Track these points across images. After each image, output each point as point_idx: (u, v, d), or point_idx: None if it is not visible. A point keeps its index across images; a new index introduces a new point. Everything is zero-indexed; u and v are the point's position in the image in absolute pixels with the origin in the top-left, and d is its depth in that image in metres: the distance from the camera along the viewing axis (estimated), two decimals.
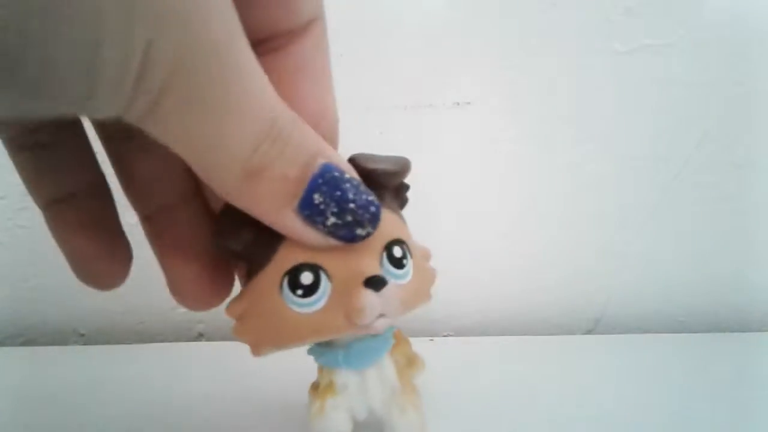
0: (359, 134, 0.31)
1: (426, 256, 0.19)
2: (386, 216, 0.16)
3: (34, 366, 0.29)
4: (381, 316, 0.15)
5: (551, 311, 0.34)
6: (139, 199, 0.17)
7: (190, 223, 0.17)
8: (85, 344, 0.33)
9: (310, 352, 0.18)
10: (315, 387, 0.19)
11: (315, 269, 0.15)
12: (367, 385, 0.18)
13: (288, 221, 0.14)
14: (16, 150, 0.16)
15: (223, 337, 0.33)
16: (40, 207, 0.16)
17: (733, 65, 0.30)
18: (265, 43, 0.15)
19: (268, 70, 0.14)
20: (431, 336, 0.33)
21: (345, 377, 0.18)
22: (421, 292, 0.18)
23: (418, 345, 0.31)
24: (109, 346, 0.31)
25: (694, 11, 0.30)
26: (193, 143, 0.13)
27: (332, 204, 0.14)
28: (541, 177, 0.32)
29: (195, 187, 0.17)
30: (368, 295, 0.15)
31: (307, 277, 0.15)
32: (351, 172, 0.15)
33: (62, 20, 0.10)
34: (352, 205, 0.14)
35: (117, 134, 0.17)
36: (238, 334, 0.17)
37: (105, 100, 0.11)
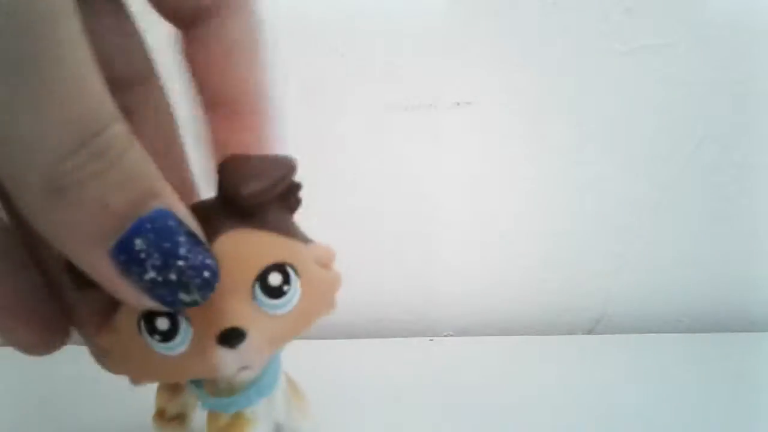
0: (359, 134, 0.31)
1: (325, 259, 0.16)
2: (261, 239, 0.14)
3: (36, 366, 0.29)
4: (243, 368, 0.14)
5: (551, 311, 0.33)
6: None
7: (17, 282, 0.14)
8: (86, 344, 0.33)
9: (205, 402, 0.17)
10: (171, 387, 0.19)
11: (171, 314, 0.13)
12: (274, 405, 0.17)
13: (96, 263, 0.11)
14: None
15: None
16: None
17: (733, 65, 0.30)
18: (190, 21, 0.14)
19: (196, 50, 0.13)
20: (431, 336, 0.33)
21: (255, 407, 0.17)
22: (312, 311, 0.16)
23: (418, 345, 0.31)
24: None
25: (694, 11, 0.30)
26: None
27: (156, 255, 0.11)
28: (541, 177, 0.32)
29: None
30: (223, 353, 0.13)
31: (163, 323, 0.13)
32: (190, 223, 0.12)
33: None
34: (181, 263, 0.12)
35: None
36: (112, 369, 0.16)
37: None
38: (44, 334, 0.15)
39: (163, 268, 0.12)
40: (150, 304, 0.12)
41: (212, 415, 0.17)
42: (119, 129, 0.11)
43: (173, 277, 0.12)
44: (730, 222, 0.32)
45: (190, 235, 0.12)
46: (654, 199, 0.32)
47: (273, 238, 0.15)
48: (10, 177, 0.10)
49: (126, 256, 0.11)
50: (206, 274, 0.12)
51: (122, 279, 0.12)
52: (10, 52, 0.10)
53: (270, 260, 0.14)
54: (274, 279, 0.14)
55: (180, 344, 0.14)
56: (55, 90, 0.10)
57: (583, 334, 0.34)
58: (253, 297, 0.14)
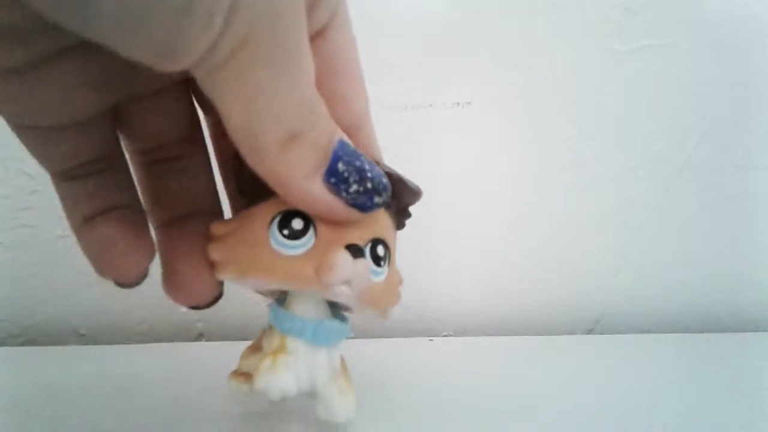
0: None
1: (399, 280, 0.20)
2: (384, 217, 0.17)
3: (34, 366, 0.29)
4: (346, 283, 0.16)
5: (551, 311, 0.34)
6: (160, 208, 0.18)
7: (201, 229, 0.18)
8: (85, 344, 0.33)
9: (274, 315, 0.18)
10: (255, 348, 0.20)
11: (308, 220, 0.16)
12: (315, 361, 0.18)
13: (316, 188, 0.15)
14: (60, 180, 0.17)
15: (223, 337, 0.33)
16: (74, 225, 0.17)
17: (733, 65, 0.30)
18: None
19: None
20: (431, 336, 0.33)
21: (297, 344, 0.18)
22: (387, 298, 0.18)
23: (418, 345, 0.31)
24: (109, 346, 0.31)
25: (694, 11, 0.30)
26: (251, 102, 0.13)
27: (354, 173, 0.16)
28: (541, 177, 0.32)
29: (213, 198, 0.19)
30: (344, 256, 0.16)
31: (297, 223, 0.16)
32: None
33: None
34: (369, 174, 0.16)
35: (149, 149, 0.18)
36: (212, 251, 0.17)
37: (190, 40, 0.12)
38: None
39: (361, 181, 0.16)
40: (354, 214, 0.16)
41: (267, 334, 0.19)
42: (316, 90, 0.15)
43: (369, 185, 0.16)
44: (730, 222, 0.32)
45: (363, 155, 0.16)
46: (654, 199, 0.32)
47: (390, 224, 0.18)
48: (260, 130, 0.14)
49: (335, 178, 0.15)
50: (384, 180, 0.16)
51: (334, 196, 0.16)
52: (288, 42, 0.13)
53: (383, 236, 0.18)
54: (381, 250, 0.17)
55: (303, 245, 0.16)
56: (304, 69, 0.14)
57: (583, 334, 0.34)
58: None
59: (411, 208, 0.20)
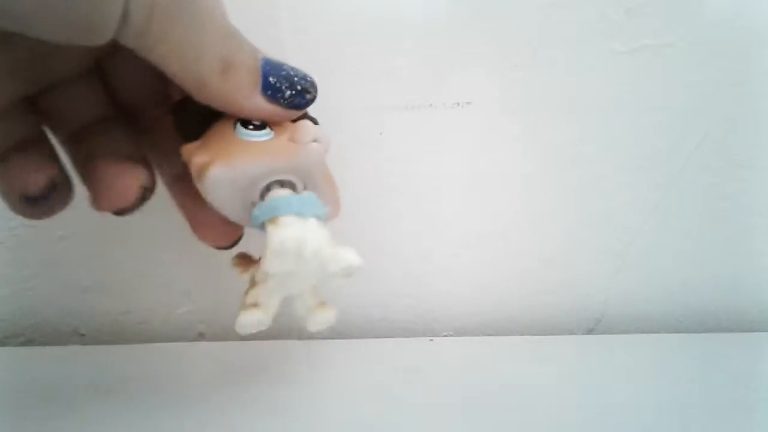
0: (359, 134, 0.31)
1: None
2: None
3: (34, 366, 0.29)
4: (314, 140, 0.19)
5: (551, 311, 0.33)
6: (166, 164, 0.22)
7: None
8: (85, 344, 0.33)
9: (260, 210, 0.20)
10: (243, 259, 0.22)
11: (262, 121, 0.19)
12: (309, 229, 0.20)
13: (259, 103, 0.18)
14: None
15: (224, 337, 0.33)
16: (62, 139, 0.20)
17: (733, 65, 0.30)
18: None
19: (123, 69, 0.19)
20: (431, 336, 0.33)
21: (288, 219, 0.19)
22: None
23: (418, 345, 0.31)
24: (109, 346, 0.31)
25: (694, 11, 0.30)
26: (182, 51, 0.16)
27: (284, 81, 0.19)
28: (541, 177, 0.32)
29: None
30: (307, 122, 0.20)
31: (256, 121, 0.19)
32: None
33: None
34: (296, 78, 0.19)
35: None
36: (191, 155, 0.19)
37: (104, 11, 0.14)
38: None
39: (291, 85, 0.19)
40: (293, 112, 0.19)
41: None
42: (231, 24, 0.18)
43: (299, 87, 0.19)
44: (730, 222, 0.32)
45: (283, 62, 0.19)
46: (654, 199, 0.32)
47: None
48: (199, 72, 0.17)
49: (271, 90, 0.19)
50: (309, 77, 0.20)
51: (274, 105, 0.19)
52: None
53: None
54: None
55: (267, 134, 0.19)
56: (216, 11, 0.17)
57: (583, 334, 0.34)
58: None
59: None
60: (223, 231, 0.22)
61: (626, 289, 0.33)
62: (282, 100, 0.19)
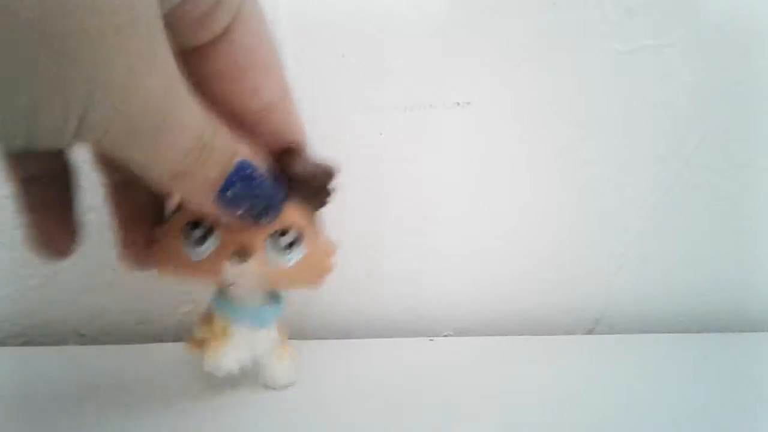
0: (359, 134, 0.31)
1: (329, 251, 0.22)
2: (291, 206, 0.20)
3: (34, 366, 0.29)
4: (240, 277, 0.20)
5: (551, 311, 0.34)
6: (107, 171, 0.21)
7: (142, 197, 0.21)
8: (85, 344, 0.33)
9: (216, 304, 0.23)
10: (207, 319, 0.23)
11: (206, 230, 0.20)
12: (256, 340, 0.23)
13: (207, 208, 0.18)
14: None
15: None
16: (13, 183, 0.19)
17: (733, 65, 0.30)
18: (193, 51, 0.17)
19: (203, 70, 0.17)
20: (431, 336, 0.33)
21: (239, 330, 0.22)
22: (307, 273, 0.22)
23: (418, 345, 0.31)
24: (109, 346, 0.31)
25: (694, 11, 0.30)
26: (134, 160, 0.16)
27: (244, 197, 0.18)
28: (541, 177, 0.32)
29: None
30: (231, 265, 0.20)
31: (198, 233, 0.20)
32: (261, 167, 0.19)
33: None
34: (258, 199, 0.18)
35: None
36: (154, 253, 0.21)
37: (45, 146, 0.14)
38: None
39: (251, 207, 0.18)
40: (247, 223, 0.19)
41: (214, 317, 0.23)
42: (208, 128, 0.17)
43: (256, 210, 0.19)
44: (730, 222, 0.32)
45: (261, 175, 0.18)
46: (654, 199, 0.32)
47: (302, 211, 0.21)
48: (150, 174, 0.16)
49: (224, 203, 0.18)
50: (275, 200, 0.19)
51: (225, 213, 0.18)
52: (150, 118, 0.15)
53: (290, 224, 0.20)
54: (287, 239, 0.20)
55: (206, 249, 0.20)
56: (179, 128, 0.16)
57: (583, 334, 0.34)
58: (266, 241, 0.20)
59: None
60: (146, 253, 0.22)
61: (626, 289, 0.33)
62: (236, 212, 0.18)
